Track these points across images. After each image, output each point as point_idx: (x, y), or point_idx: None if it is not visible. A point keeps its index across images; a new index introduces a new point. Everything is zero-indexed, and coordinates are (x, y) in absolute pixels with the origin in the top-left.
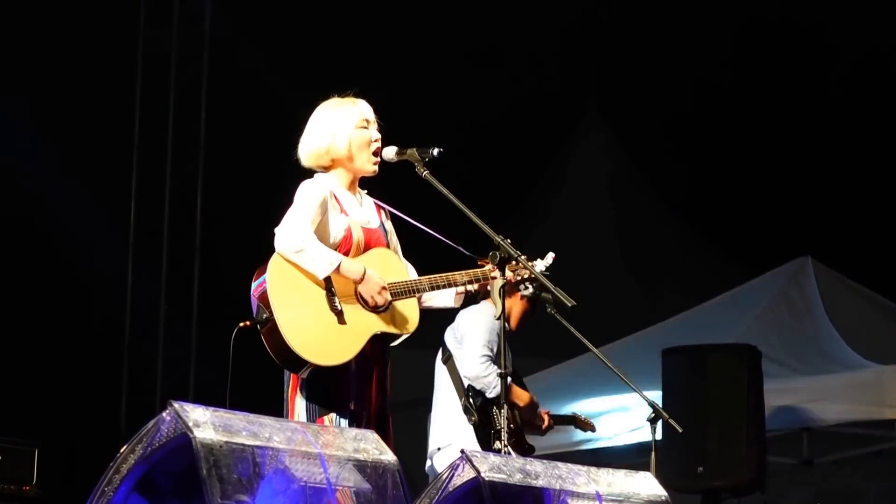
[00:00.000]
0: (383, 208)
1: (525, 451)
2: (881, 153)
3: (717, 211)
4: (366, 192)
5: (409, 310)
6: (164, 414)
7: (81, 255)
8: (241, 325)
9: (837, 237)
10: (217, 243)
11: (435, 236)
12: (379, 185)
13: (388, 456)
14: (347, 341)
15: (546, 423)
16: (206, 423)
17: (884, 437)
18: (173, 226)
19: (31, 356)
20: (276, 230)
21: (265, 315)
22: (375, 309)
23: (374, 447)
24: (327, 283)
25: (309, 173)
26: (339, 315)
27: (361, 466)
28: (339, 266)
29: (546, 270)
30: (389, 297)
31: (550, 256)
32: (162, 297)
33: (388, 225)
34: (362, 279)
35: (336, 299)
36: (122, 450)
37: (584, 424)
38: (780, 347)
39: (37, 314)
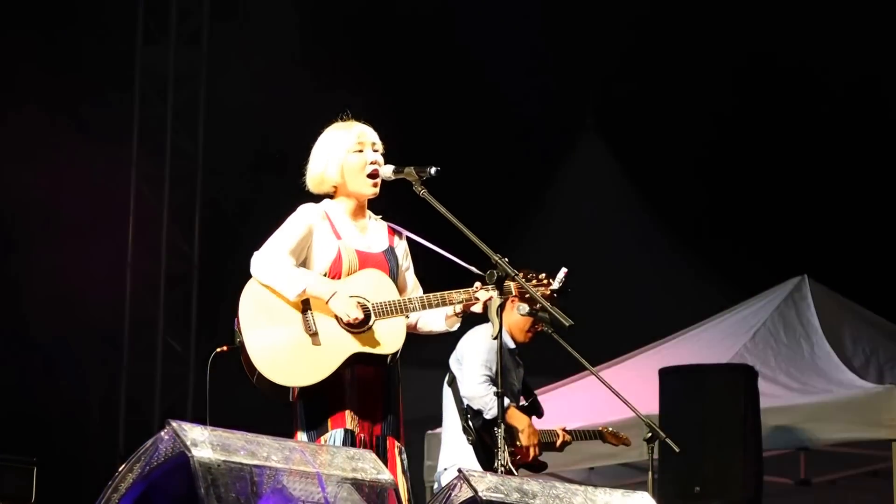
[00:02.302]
0: (398, 232)
1: (536, 468)
2: (878, 173)
3: (714, 230)
4: (379, 216)
5: (392, 329)
6: (162, 433)
7: (80, 273)
8: (219, 350)
9: (834, 256)
10: (215, 262)
11: (448, 257)
12: (397, 203)
13: (386, 475)
14: (320, 362)
15: (561, 439)
16: (204, 442)
17: (880, 456)
18: (172, 245)
19: (30, 374)
20: (254, 254)
21: (238, 339)
22: (356, 328)
23: (371, 467)
24: (304, 305)
25: (318, 198)
26: (314, 336)
27: (359, 486)
28: (305, 289)
29: (565, 286)
30: (362, 315)
31: (563, 272)
32: (160, 317)
33: (401, 249)
34: (331, 298)
35: (312, 321)
36: (120, 468)
37: (616, 439)
38: (776, 367)
39: (36, 333)
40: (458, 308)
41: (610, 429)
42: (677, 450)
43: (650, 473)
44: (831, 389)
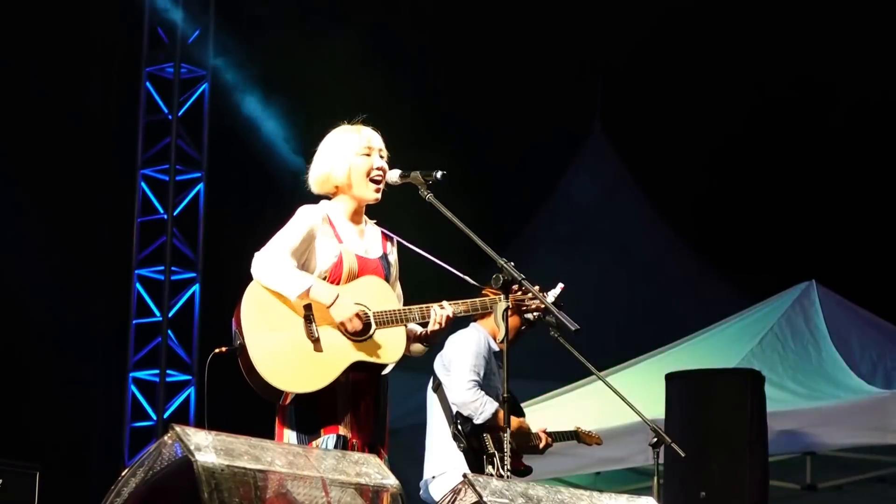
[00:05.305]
0: (391, 238)
1: (521, 472)
2: (886, 178)
3: (722, 235)
4: (374, 221)
5: (394, 338)
6: (166, 437)
7: (84, 279)
8: (217, 351)
9: (842, 261)
10: (219, 268)
11: (443, 266)
12: (389, 210)
13: (390, 480)
14: (322, 368)
15: (544, 441)
16: (207, 447)
17: (887, 462)
18: (176, 250)
19: (34, 380)
20: (255, 255)
21: (239, 342)
22: (357, 336)
23: (375, 471)
24: (306, 310)
25: (318, 199)
26: (316, 342)
27: (363, 491)
28: (309, 289)
29: (558, 301)
30: (360, 326)
31: (559, 287)
32: (164, 322)
33: (393, 256)
34: (333, 303)
35: (314, 326)
36: (123, 473)
37: (589, 438)
38: (783, 372)
39: (39, 337)
40: (421, 330)
41: (584, 429)
42: (683, 455)
43: (656, 478)
44: (838, 395)
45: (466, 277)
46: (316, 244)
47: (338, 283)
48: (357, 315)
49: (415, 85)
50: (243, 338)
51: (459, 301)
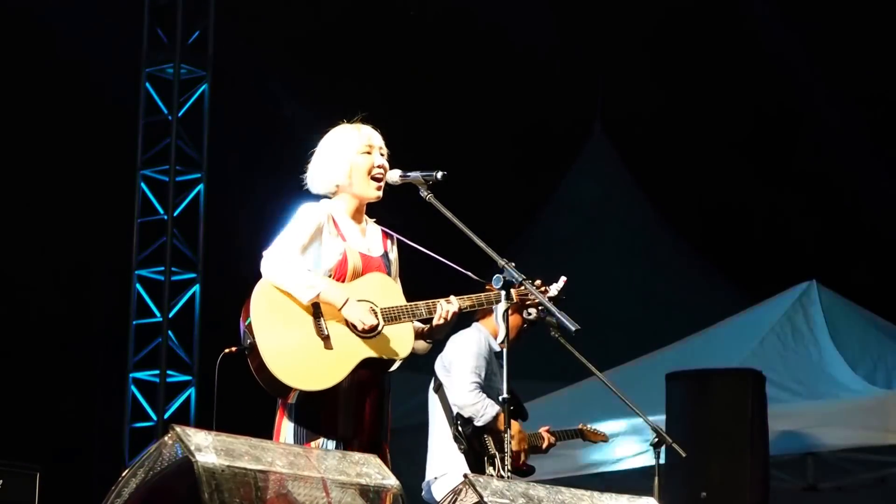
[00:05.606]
0: (391, 236)
1: (524, 472)
2: (887, 178)
3: (722, 235)
4: (374, 220)
5: (402, 335)
6: (166, 438)
7: (85, 280)
8: (227, 350)
9: (842, 261)
10: (219, 269)
11: (444, 262)
12: (391, 208)
13: (391, 481)
14: (333, 366)
15: (546, 441)
16: (208, 448)
17: (888, 462)
18: (176, 251)
19: (34, 380)
20: (264, 254)
21: (249, 340)
22: (366, 333)
23: (376, 472)
24: (315, 308)
25: (317, 198)
26: (326, 340)
27: (364, 491)
28: (320, 293)
29: (561, 295)
30: (377, 320)
31: (562, 280)
32: (164, 322)
33: (394, 254)
34: (345, 305)
35: (324, 324)
36: (123, 474)
37: (594, 436)
38: (784, 372)
39: (40, 337)
40: (424, 326)
41: (588, 426)
42: (684, 455)
43: (656, 478)
44: (839, 394)
45: (469, 273)
46: (321, 241)
47: (342, 281)
48: (370, 311)
49: (415, 84)
50: (253, 336)
51: (465, 296)
